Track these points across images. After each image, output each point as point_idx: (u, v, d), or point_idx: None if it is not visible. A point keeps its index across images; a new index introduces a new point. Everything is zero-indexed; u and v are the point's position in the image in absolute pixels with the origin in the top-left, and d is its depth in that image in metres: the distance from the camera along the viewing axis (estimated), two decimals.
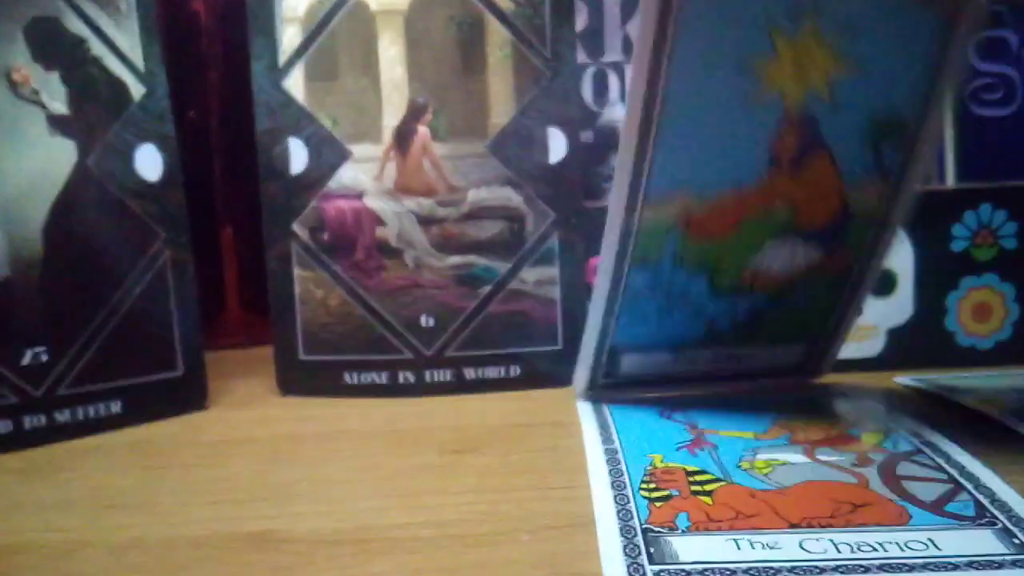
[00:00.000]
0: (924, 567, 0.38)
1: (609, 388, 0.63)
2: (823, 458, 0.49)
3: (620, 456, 0.50)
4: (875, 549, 0.39)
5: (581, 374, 0.62)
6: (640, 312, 0.58)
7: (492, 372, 0.66)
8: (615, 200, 0.53)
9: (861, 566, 0.38)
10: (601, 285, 0.57)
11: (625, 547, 0.40)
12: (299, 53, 0.64)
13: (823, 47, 0.51)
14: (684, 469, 0.48)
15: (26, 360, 0.56)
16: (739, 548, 0.40)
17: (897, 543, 0.40)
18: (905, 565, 0.38)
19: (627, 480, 0.47)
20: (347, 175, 0.64)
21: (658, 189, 0.52)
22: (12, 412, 0.56)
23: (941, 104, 0.55)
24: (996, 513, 0.42)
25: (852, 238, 0.58)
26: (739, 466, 0.48)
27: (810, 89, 0.53)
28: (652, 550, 0.40)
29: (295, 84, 0.64)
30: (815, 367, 0.65)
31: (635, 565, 0.38)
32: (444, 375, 0.66)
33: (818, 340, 0.64)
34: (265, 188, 0.65)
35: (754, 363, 0.64)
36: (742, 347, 0.63)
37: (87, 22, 0.58)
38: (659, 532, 0.41)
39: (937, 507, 0.43)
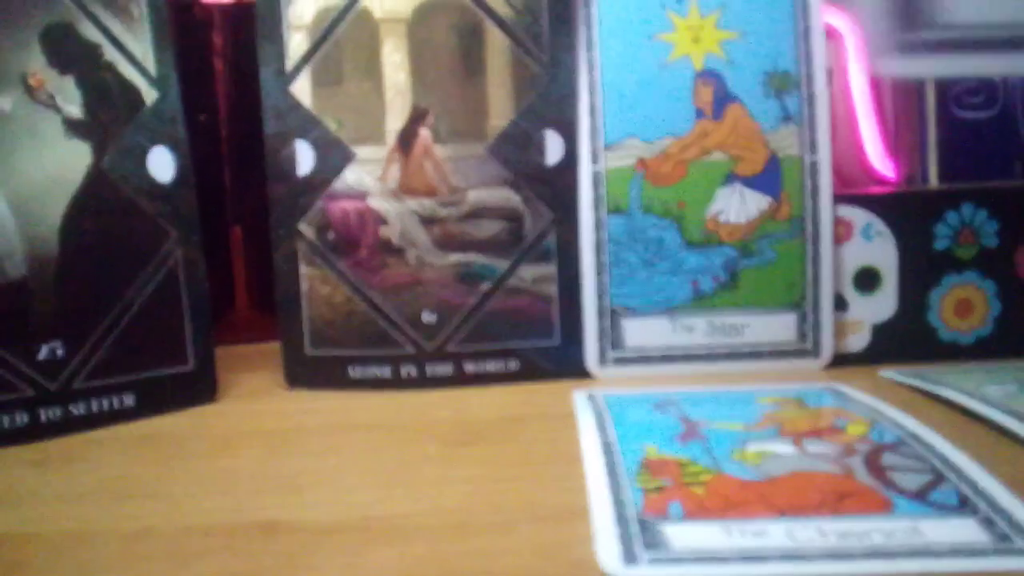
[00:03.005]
0: (908, 554, 0.39)
1: (619, 364, 0.67)
2: (811, 449, 0.50)
3: (615, 447, 0.51)
4: (860, 537, 0.40)
5: (591, 347, 0.67)
6: (627, 264, 0.66)
7: (491, 366, 0.67)
8: (582, 151, 0.67)
9: (847, 553, 0.39)
10: (587, 237, 0.67)
11: (620, 535, 0.41)
12: (306, 59, 0.65)
13: (708, 20, 0.67)
14: (677, 460, 0.49)
15: (42, 355, 0.57)
16: (730, 536, 0.40)
17: (882, 531, 0.40)
18: (890, 552, 0.39)
19: (622, 471, 0.48)
20: (352, 176, 0.65)
21: (612, 135, 0.67)
22: (28, 405, 0.57)
23: (816, 59, 0.67)
24: (978, 502, 0.43)
25: (788, 184, 0.67)
26: (730, 457, 0.49)
27: (708, 52, 0.67)
28: (646, 538, 0.40)
29: (302, 89, 0.65)
30: (813, 346, 0.67)
31: (630, 553, 0.39)
32: (445, 369, 0.67)
33: (805, 310, 0.67)
34: (273, 189, 0.65)
35: (751, 335, 0.67)
36: (732, 312, 0.67)
37: (101, 28, 0.59)
38: (653, 521, 0.42)
39: (921, 496, 0.44)
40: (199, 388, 0.64)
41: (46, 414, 0.58)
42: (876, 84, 0.78)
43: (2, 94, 0.56)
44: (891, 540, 0.40)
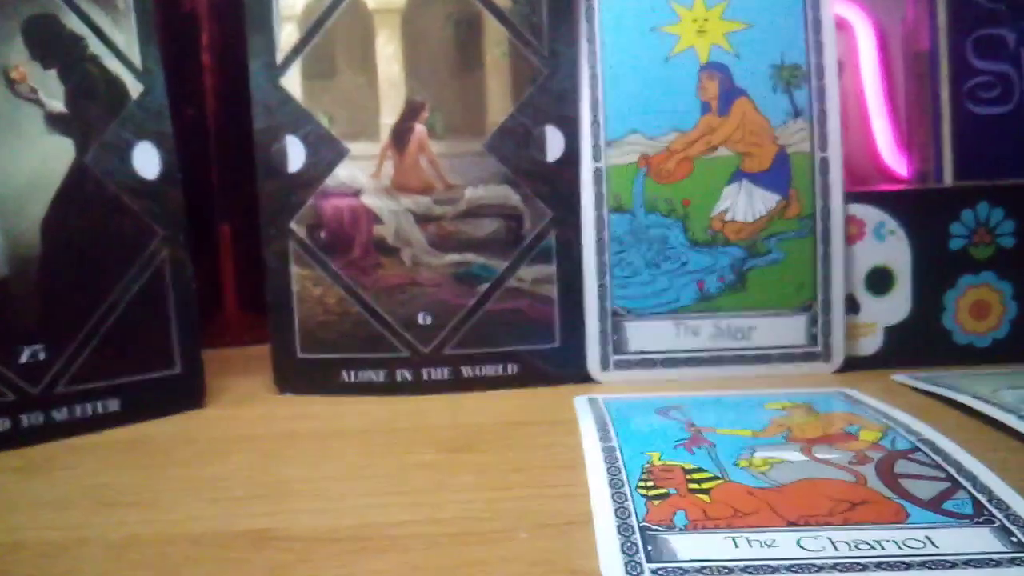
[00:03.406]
0: (922, 565, 0.38)
1: (621, 367, 0.66)
2: (821, 456, 0.49)
3: (618, 454, 0.50)
4: (873, 547, 0.39)
5: (593, 350, 0.67)
6: (630, 265, 0.66)
7: (490, 370, 0.66)
8: (584, 147, 0.66)
9: (859, 564, 0.38)
10: (589, 236, 0.67)
11: (623, 545, 0.40)
12: (296, 51, 0.64)
13: (714, 11, 0.66)
14: (682, 467, 0.48)
15: (24, 358, 0.56)
16: (737, 546, 0.39)
17: (895, 541, 0.39)
18: (903, 563, 0.38)
19: (625, 478, 0.47)
20: (344, 173, 0.65)
21: (614, 131, 0.66)
22: (10, 410, 0.56)
23: (827, 51, 0.67)
24: (994, 511, 0.42)
25: (797, 180, 0.67)
26: (737, 464, 0.48)
27: (714, 44, 0.66)
28: (650, 548, 0.39)
29: (292, 82, 0.64)
30: (824, 350, 0.67)
31: (633, 563, 0.38)
32: (442, 373, 0.66)
33: (816, 312, 0.66)
34: (263, 186, 0.65)
35: (759, 339, 0.67)
36: (739, 314, 0.66)
37: (85, 20, 0.59)
38: (657, 530, 0.41)
39: (935, 505, 0.43)
40: (186, 393, 0.63)
41: (28, 419, 0.57)
42: (888, 77, 0.77)
43: None
44: (904, 550, 0.39)
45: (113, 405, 0.60)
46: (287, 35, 0.64)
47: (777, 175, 0.66)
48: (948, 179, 0.71)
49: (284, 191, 0.65)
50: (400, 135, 0.65)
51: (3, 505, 0.48)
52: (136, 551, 0.42)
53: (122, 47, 0.60)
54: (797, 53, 0.66)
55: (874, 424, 0.54)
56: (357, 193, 0.65)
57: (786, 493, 0.45)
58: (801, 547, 0.39)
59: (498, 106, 0.65)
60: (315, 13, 0.64)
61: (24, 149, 0.56)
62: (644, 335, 0.67)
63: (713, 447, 0.51)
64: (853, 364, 0.67)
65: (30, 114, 0.57)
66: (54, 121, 0.57)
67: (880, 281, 0.67)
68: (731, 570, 0.38)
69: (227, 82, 0.79)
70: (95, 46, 0.59)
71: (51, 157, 0.57)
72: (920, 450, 0.50)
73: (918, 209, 0.67)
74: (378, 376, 0.66)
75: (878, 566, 0.38)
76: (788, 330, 0.67)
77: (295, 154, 0.64)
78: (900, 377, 0.65)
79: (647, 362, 0.67)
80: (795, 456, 0.49)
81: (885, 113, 0.78)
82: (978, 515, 0.42)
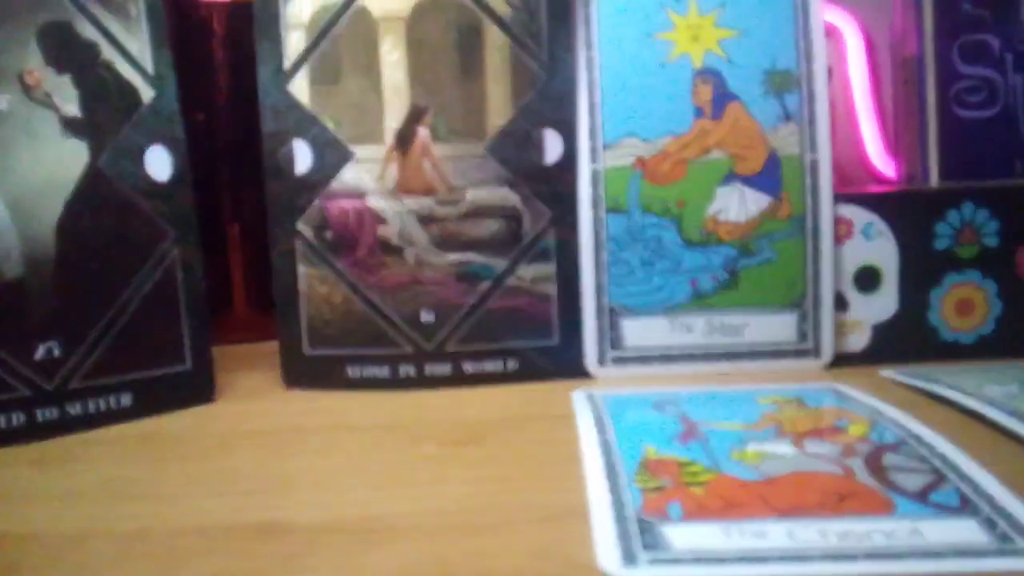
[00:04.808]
0: (909, 555, 0.38)
1: (618, 363, 0.67)
2: (811, 449, 0.50)
3: (614, 447, 0.51)
4: (861, 538, 0.40)
5: (590, 347, 0.67)
6: (626, 264, 0.66)
7: (490, 366, 0.67)
8: (581, 150, 0.67)
9: (847, 554, 0.39)
10: (587, 236, 0.67)
11: (619, 536, 0.41)
12: (304, 57, 0.64)
13: (707, 18, 0.67)
14: (677, 460, 0.49)
15: (39, 354, 0.57)
16: (730, 537, 0.40)
17: (883, 532, 0.40)
18: (890, 553, 0.39)
19: (621, 471, 0.47)
20: (350, 175, 0.65)
21: (611, 134, 0.67)
22: (25, 405, 0.57)
23: (817, 57, 0.67)
24: (979, 503, 0.43)
25: (788, 182, 0.67)
26: (730, 457, 0.49)
27: (707, 50, 0.67)
28: (646, 539, 0.40)
29: (300, 87, 0.65)
30: (814, 346, 0.67)
31: (629, 553, 0.39)
32: (444, 369, 0.67)
33: (806, 309, 0.67)
34: (271, 188, 0.65)
35: (751, 335, 0.67)
36: (731, 312, 0.67)
37: (98, 27, 0.59)
38: (652, 521, 0.42)
39: (922, 497, 0.44)
40: (196, 388, 0.64)
41: (43, 414, 0.58)
42: (876, 82, 0.78)
43: None
44: (892, 541, 0.40)
45: (126, 400, 0.60)
46: (295, 42, 0.64)
47: (768, 177, 0.66)
48: (934, 180, 0.72)
49: (291, 193, 0.65)
50: (404, 139, 0.65)
51: (17, 497, 0.49)
52: (146, 543, 0.43)
53: (134, 53, 0.60)
54: (788, 59, 0.66)
55: (862, 418, 0.55)
56: (362, 195, 0.65)
57: (777, 485, 0.45)
58: (791, 538, 0.40)
59: (499, 110, 0.65)
60: (322, 21, 0.64)
61: (40, 152, 0.57)
62: (640, 332, 0.67)
63: (707, 440, 0.51)
64: (842, 360, 0.68)
65: (45, 118, 0.57)
66: (68, 125, 0.58)
67: (868, 279, 0.67)
68: (724, 560, 0.39)
69: (236, 87, 0.79)
70: (108, 52, 0.60)
71: (66, 160, 0.58)
72: (907, 444, 0.50)
73: (905, 209, 0.67)
74: (382, 372, 0.66)
75: (866, 556, 0.38)
76: (779, 327, 0.67)
77: (302, 157, 0.65)
78: (888, 373, 0.65)
79: (643, 358, 0.67)
80: (786, 449, 0.50)
81: (873, 117, 0.78)
82: (964, 507, 0.43)
